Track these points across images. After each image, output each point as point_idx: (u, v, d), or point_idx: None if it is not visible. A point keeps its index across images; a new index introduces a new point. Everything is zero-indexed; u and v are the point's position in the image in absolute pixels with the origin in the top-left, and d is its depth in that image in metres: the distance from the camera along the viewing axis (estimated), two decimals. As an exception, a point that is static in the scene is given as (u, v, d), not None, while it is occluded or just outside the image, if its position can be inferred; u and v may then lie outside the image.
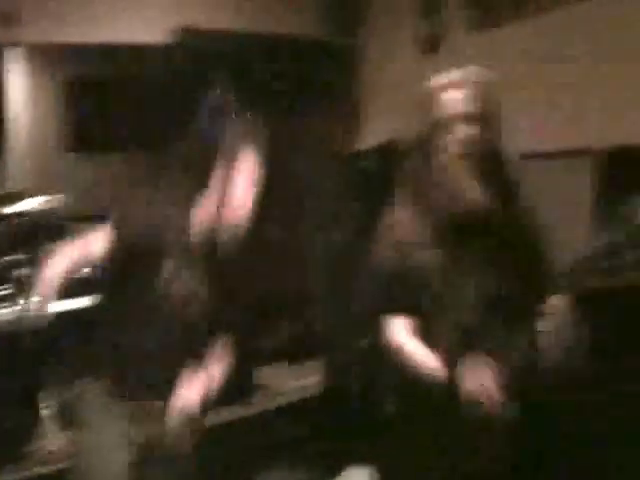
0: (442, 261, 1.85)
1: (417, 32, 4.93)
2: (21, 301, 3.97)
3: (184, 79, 5.48)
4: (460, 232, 1.85)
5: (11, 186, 5.17)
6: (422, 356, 1.87)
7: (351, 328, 3.98)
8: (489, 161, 1.82)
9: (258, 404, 4.62)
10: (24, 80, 5.43)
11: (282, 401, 4.74)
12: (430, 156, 1.84)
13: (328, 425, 4.45)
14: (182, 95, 5.49)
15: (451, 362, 1.83)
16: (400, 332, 1.94)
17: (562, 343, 1.72)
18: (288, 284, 5.88)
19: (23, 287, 4.01)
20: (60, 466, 3.70)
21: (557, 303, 1.72)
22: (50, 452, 3.80)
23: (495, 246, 1.89)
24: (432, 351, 1.88)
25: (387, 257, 1.94)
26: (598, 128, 3.79)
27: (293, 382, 5.01)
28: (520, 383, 1.79)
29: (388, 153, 4.70)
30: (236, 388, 4.45)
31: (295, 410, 4.65)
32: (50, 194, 4.27)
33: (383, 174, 4.49)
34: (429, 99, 1.86)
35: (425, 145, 1.85)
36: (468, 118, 1.81)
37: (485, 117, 1.84)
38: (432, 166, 1.83)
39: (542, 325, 1.72)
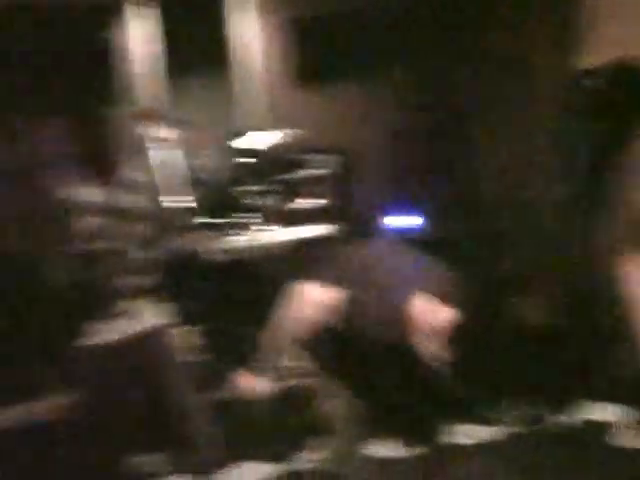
0: None
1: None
2: (253, 230, 4.23)
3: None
4: None
5: (244, 122, 5.43)
6: None
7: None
8: None
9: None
10: (253, 16, 5.60)
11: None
12: None
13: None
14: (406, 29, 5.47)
15: None
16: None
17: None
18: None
19: (257, 217, 4.27)
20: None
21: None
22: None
23: None
24: None
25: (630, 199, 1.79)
26: None
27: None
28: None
29: (621, 73, 4.39)
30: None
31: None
32: (281, 129, 4.46)
33: (615, 98, 4.24)
34: None
35: None
36: None
37: None
38: None
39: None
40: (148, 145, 3.34)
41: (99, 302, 2.91)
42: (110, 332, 2.96)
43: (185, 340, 3.71)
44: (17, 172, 3.79)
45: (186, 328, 3.94)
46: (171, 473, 3.46)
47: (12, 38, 4.87)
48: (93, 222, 2.95)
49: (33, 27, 4.79)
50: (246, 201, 4.24)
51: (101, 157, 3.03)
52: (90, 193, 2.98)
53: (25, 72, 4.50)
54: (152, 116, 3.67)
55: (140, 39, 5.15)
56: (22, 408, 3.76)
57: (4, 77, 4.32)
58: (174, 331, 3.26)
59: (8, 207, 3.16)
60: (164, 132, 3.66)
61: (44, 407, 3.75)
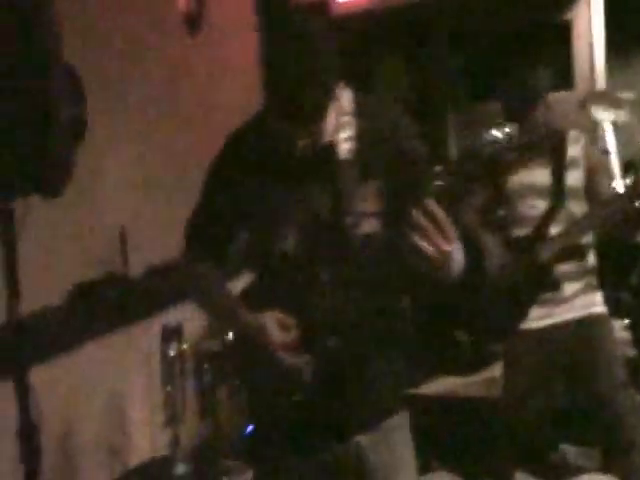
0: None
1: None
2: None
3: None
4: None
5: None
6: None
7: None
8: None
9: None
10: None
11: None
12: None
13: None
14: None
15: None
16: None
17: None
18: None
19: None
20: None
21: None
22: None
23: None
24: None
25: None
26: None
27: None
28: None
29: None
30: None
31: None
32: None
33: None
34: None
35: None
36: None
37: None
38: None
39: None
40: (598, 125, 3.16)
41: (540, 287, 2.85)
42: (546, 317, 2.90)
43: (616, 332, 3.51)
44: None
45: (618, 320, 3.73)
46: (598, 470, 3.32)
47: (471, 20, 5.09)
48: (538, 205, 2.90)
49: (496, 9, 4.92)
50: None
51: (552, 139, 2.94)
52: (537, 175, 2.93)
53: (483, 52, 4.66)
54: (603, 98, 3.48)
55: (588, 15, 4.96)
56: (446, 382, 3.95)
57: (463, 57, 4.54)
58: (609, 321, 3.07)
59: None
60: (612, 114, 3.46)
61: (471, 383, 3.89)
